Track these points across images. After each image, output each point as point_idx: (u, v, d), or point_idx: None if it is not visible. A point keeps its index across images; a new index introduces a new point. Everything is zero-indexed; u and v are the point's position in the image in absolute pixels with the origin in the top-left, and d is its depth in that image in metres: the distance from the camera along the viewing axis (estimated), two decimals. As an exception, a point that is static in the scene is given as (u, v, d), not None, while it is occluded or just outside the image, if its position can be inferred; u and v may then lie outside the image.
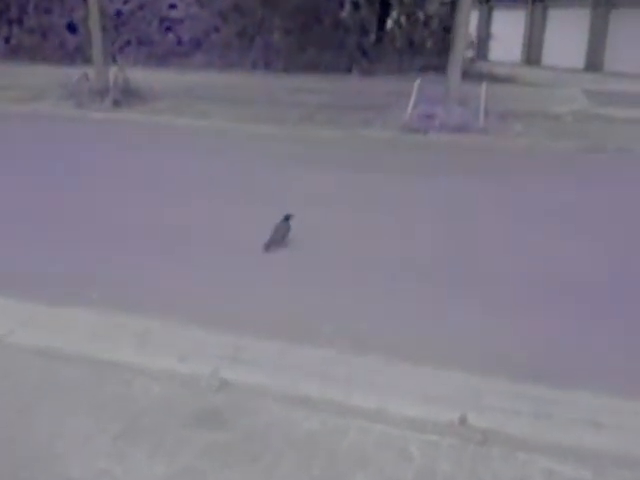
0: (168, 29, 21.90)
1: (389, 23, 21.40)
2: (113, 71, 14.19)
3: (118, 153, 9.70)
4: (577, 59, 25.59)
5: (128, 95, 14.03)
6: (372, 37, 20.38)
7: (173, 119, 12.82)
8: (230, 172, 8.41)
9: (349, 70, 19.49)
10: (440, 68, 18.67)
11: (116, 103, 13.53)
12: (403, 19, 21.15)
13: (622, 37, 24.14)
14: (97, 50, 14.22)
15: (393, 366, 3.57)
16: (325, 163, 9.32)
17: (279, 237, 5.38)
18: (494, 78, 17.77)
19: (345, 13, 21.28)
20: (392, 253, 5.51)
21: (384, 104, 13.74)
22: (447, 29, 20.50)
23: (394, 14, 21.29)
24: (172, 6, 21.91)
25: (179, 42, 21.83)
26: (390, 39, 20.91)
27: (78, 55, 20.81)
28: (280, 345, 3.77)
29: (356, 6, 20.97)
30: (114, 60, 16.76)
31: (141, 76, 15.52)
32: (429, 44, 20.54)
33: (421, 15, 20.90)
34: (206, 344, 3.76)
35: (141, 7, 21.78)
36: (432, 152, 10.48)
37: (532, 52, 28.23)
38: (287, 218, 5.48)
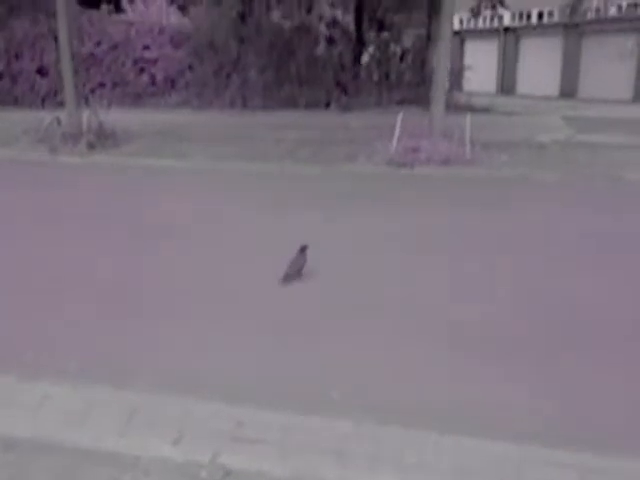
0: (142, 69, 21.63)
1: (365, 58, 21.39)
2: (86, 114, 13.79)
3: (92, 199, 9.23)
4: (551, 87, 25.87)
5: (103, 138, 13.60)
6: (349, 72, 20.28)
7: (151, 161, 12.42)
8: (215, 215, 7.99)
9: (327, 105, 19.35)
10: (418, 101, 18.67)
11: (90, 146, 13.08)
12: (379, 54, 21.13)
13: (594, 64, 24.46)
14: (69, 93, 13.81)
15: (421, 438, 3.14)
16: (313, 200, 8.95)
17: (295, 270, 5.29)
18: (472, 109, 17.70)
19: (320, 49, 21.19)
20: (396, 298, 5.11)
21: (366, 138, 13.51)
22: (423, 62, 20.59)
23: (370, 49, 21.30)
24: (146, 47, 21.67)
25: (153, 82, 21.55)
26: (367, 74, 20.87)
27: (50, 99, 20.42)
28: (286, 417, 3.32)
29: (331, 41, 20.90)
30: (87, 102, 16.36)
31: (116, 117, 15.15)
32: (406, 78, 20.50)
33: (397, 49, 20.93)
34: (202, 420, 3.29)
35: (114, 48, 21.51)
36: (421, 186, 10.17)
37: (506, 81, 28.53)
38: (303, 250, 5.36)
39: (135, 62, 21.60)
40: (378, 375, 3.83)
